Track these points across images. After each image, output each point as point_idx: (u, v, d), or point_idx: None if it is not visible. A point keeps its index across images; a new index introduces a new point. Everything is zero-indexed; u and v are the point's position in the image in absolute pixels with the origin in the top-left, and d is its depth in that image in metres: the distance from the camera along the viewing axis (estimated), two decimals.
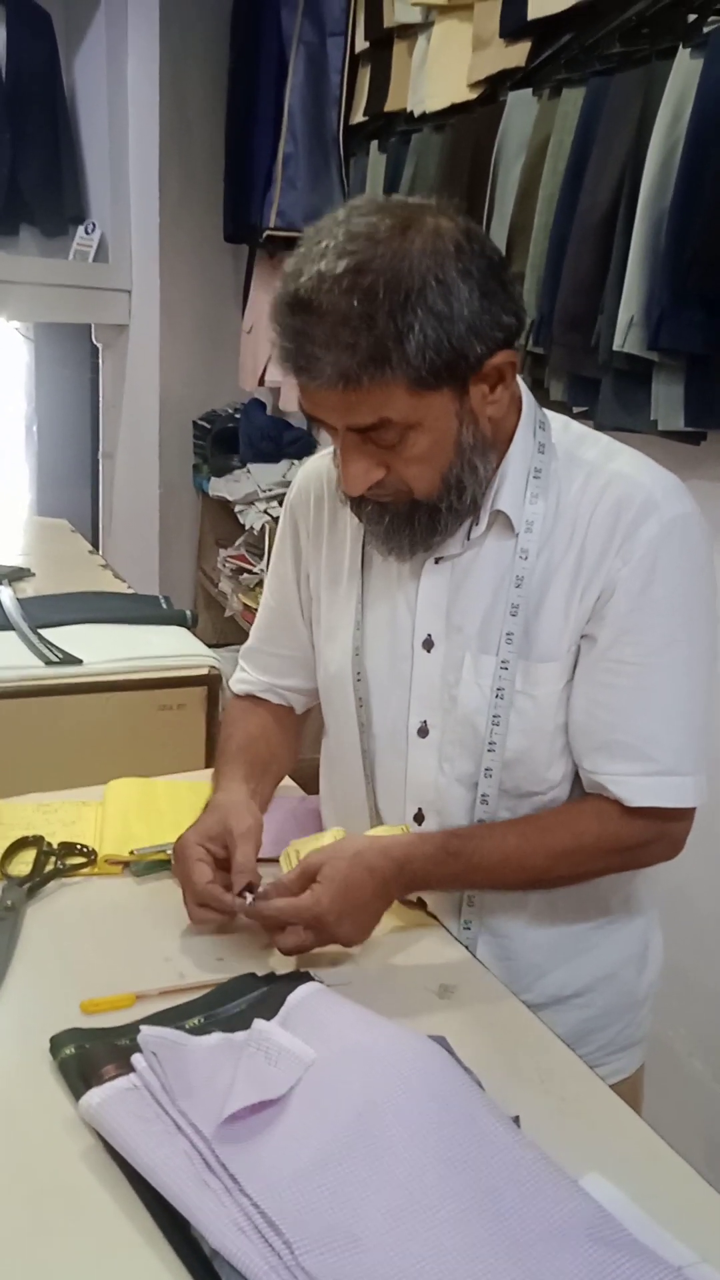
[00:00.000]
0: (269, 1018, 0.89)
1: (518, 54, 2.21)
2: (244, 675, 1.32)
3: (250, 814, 1.10)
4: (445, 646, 1.06)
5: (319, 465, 1.19)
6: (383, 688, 1.11)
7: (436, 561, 1.06)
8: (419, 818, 1.11)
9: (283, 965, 1.01)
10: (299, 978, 0.97)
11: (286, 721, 1.31)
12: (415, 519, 1.00)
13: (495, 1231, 0.68)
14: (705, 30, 1.71)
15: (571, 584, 1.00)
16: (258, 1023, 0.87)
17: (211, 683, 1.97)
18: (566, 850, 1.03)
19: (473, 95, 2.39)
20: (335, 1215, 0.68)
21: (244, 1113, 0.76)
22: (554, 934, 1.13)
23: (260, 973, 0.99)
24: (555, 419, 1.07)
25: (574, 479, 1.01)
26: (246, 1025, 0.88)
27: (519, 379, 1.02)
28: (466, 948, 1.08)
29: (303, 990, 0.92)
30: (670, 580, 0.98)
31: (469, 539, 1.04)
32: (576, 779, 1.08)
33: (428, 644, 1.07)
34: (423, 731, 1.08)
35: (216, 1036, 0.86)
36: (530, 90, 2.17)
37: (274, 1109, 0.77)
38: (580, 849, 1.03)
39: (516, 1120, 0.81)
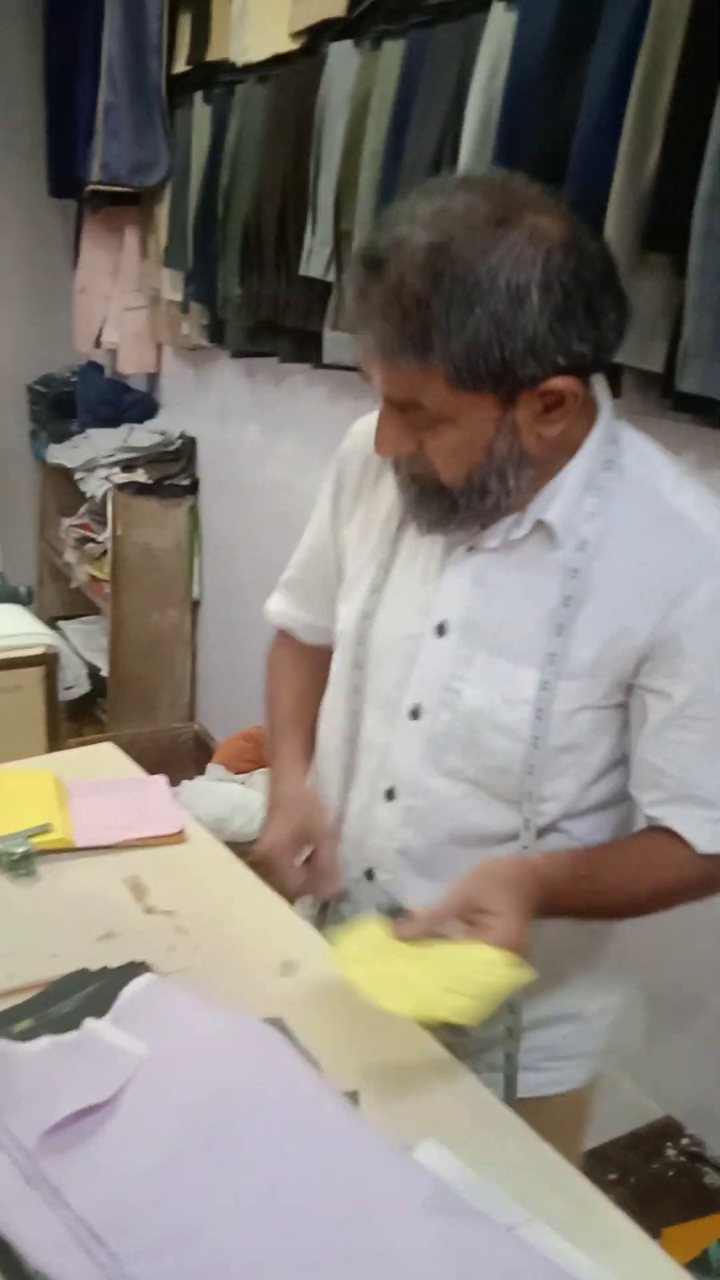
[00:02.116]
0: (101, 1014, 0.87)
1: (338, 3, 2.15)
2: (284, 609, 1.28)
3: (322, 810, 1.14)
4: (458, 637, 1.02)
5: (369, 425, 1.09)
6: (386, 658, 1.08)
7: (469, 550, 1.02)
8: (390, 794, 1.08)
9: (116, 958, 0.98)
10: (133, 969, 0.95)
11: (325, 669, 1.20)
12: (438, 501, 0.97)
13: (336, 1215, 0.68)
14: None
15: (612, 611, 0.96)
16: (88, 1022, 0.85)
17: (49, 662, 1.90)
18: (665, 884, 1.02)
19: (295, 46, 2.33)
20: (176, 1215, 0.67)
21: (72, 1119, 0.74)
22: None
23: (93, 967, 0.96)
24: (630, 435, 1.01)
25: (639, 508, 0.97)
26: (77, 1025, 0.85)
27: (605, 390, 0.99)
28: None
29: (137, 983, 0.90)
30: None
31: (508, 538, 1.00)
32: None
33: (441, 629, 1.03)
34: (415, 713, 1.05)
35: (45, 1041, 0.83)
36: (352, 42, 2.12)
37: (105, 1111, 0.75)
38: (677, 883, 1.02)
39: (355, 1095, 0.82)
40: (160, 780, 1.34)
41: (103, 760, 1.43)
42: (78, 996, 0.92)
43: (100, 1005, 0.88)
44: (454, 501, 0.96)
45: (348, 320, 0.91)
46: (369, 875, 1.10)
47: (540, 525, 0.98)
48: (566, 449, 0.96)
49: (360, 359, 0.93)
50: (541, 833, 1.04)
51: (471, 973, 0.85)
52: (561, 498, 0.97)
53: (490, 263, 0.83)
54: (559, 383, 0.88)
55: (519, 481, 0.95)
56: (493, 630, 1.01)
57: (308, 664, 1.25)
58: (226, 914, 1.07)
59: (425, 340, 0.85)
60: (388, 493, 1.09)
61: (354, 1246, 0.66)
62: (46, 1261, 0.62)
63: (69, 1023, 0.87)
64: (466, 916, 0.90)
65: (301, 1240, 0.67)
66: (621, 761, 1.04)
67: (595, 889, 1.00)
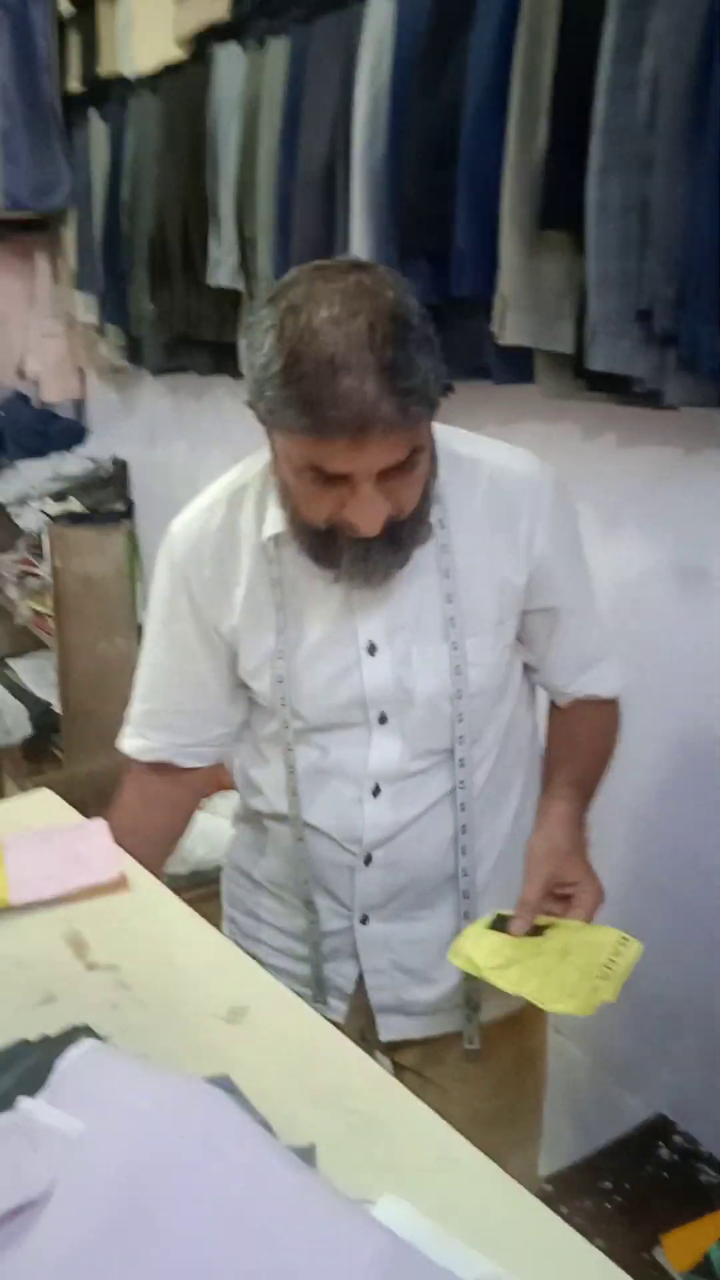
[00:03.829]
0: (37, 1088, 0.82)
1: (220, 6, 2.11)
2: (146, 744, 1.30)
3: None
4: (391, 647, 1.15)
5: (194, 525, 1.22)
6: (326, 699, 1.17)
7: None
8: (376, 791, 1.20)
9: (57, 1023, 0.93)
10: (72, 1035, 0.90)
11: (187, 798, 1.35)
12: (400, 539, 1.06)
13: None
14: None
15: (490, 565, 1.14)
16: (22, 1101, 0.80)
17: None
18: (610, 733, 1.31)
19: (182, 53, 2.28)
20: None
21: (4, 1217, 0.69)
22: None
23: (33, 1035, 0.91)
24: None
25: (457, 474, 1.14)
26: (12, 1104, 0.80)
27: None
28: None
29: (73, 1052, 0.85)
30: (567, 533, 1.19)
31: None
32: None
33: (371, 649, 1.15)
34: (383, 719, 1.18)
35: None
36: (237, 43, 2.08)
37: (37, 1202, 0.70)
38: (613, 727, 1.31)
39: (311, 1151, 0.77)
40: (99, 824, 1.29)
41: (41, 808, 1.37)
42: (14, 1072, 0.86)
43: (37, 1080, 0.83)
44: (417, 521, 1.07)
45: (334, 434, 0.95)
46: (368, 860, 1.23)
47: None
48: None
49: (324, 464, 0.97)
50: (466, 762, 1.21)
51: (606, 957, 1.01)
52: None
53: (405, 307, 0.96)
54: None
55: (431, 491, 1.09)
56: (413, 625, 1.14)
57: (159, 813, 1.32)
58: (171, 962, 1.02)
59: (426, 387, 0.96)
60: (242, 575, 1.18)
61: None
62: None
63: (3, 1103, 0.81)
64: (556, 893, 1.10)
65: None
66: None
67: (588, 781, 1.24)
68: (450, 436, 1.16)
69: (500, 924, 1.09)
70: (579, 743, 1.27)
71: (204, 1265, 0.64)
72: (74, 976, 1.01)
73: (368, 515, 1.00)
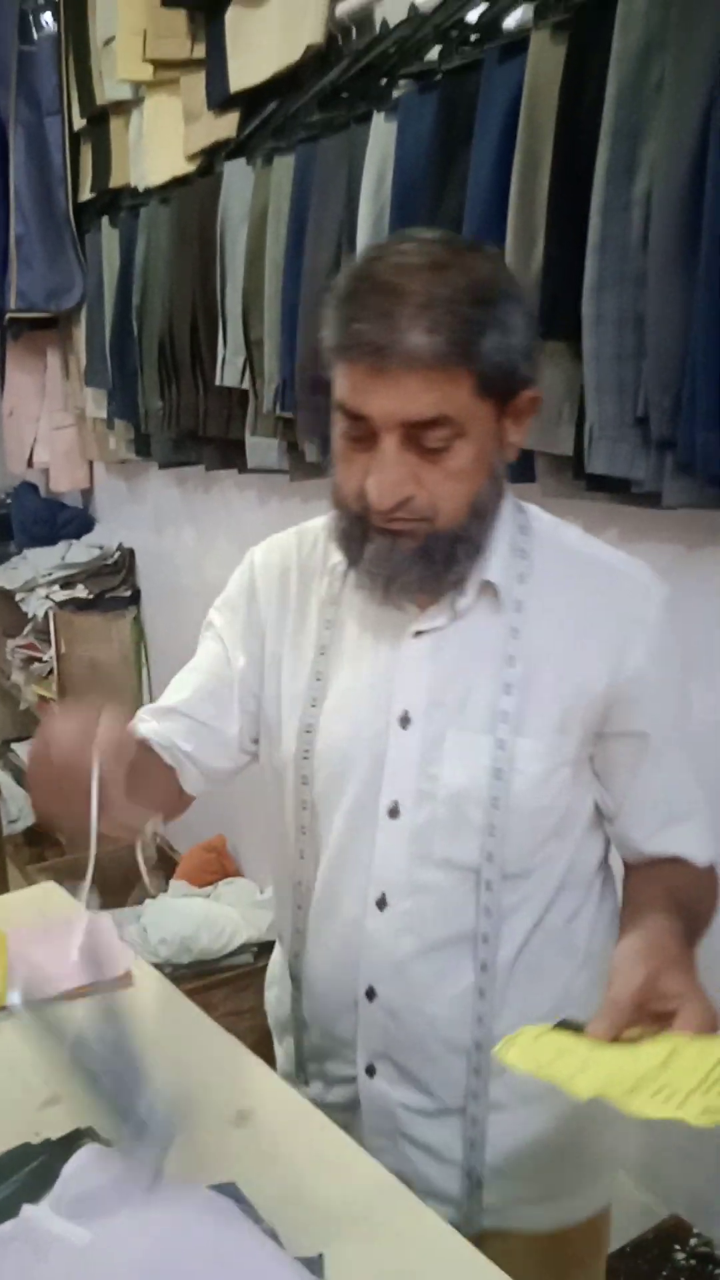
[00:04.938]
0: (42, 1192, 0.81)
1: (228, 124, 2.22)
2: (152, 726, 1.13)
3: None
4: (424, 723, 1.00)
5: (286, 540, 1.15)
6: (345, 766, 1.03)
7: (417, 635, 1.01)
8: (381, 903, 1.02)
9: (61, 1126, 0.92)
10: (75, 1139, 0.89)
11: (162, 794, 1.12)
12: (431, 553, 0.95)
13: None
14: (395, 95, 1.75)
15: (569, 664, 0.99)
16: (26, 1209, 0.79)
17: None
18: (706, 904, 1.05)
19: (191, 167, 2.39)
20: None
21: None
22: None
23: (35, 1138, 0.90)
24: (526, 504, 1.06)
25: (558, 563, 1.02)
26: (16, 1211, 0.79)
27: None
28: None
29: (79, 1157, 0.84)
30: (672, 660, 1.03)
31: (455, 611, 1.00)
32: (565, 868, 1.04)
33: (404, 720, 1.01)
34: (394, 812, 1.01)
35: None
36: (244, 159, 2.18)
37: None
38: (705, 894, 1.05)
39: (320, 1261, 0.76)
40: (104, 920, 1.28)
41: (45, 900, 1.38)
42: (18, 1176, 0.86)
43: (41, 1184, 0.83)
44: (453, 540, 0.95)
45: (359, 353, 0.89)
46: (370, 994, 1.04)
47: (485, 587, 1.00)
48: (491, 513, 0.99)
49: (352, 400, 0.91)
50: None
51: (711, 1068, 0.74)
52: (497, 559, 1.00)
53: (486, 276, 0.90)
54: (530, 391, 0.95)
55: (495, 519, 0.99)
56: (456, 705, 1.00)
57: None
58: (177, 1062, 1.01)
59: (464, 340, 0.87)
60: (313, 605, 1.09)
61: None
62: None
63: (9, 1208, 0.81)
64: (653, 1009, 0.82)
65: None
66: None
67: (689, 921, 0.95)
68: (564, 529, 1.06)
69: (571, 1029, 0.83)
70: (672, 889, 1.01)
71: None
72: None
73: (382, 478, 0.91)
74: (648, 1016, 0.81)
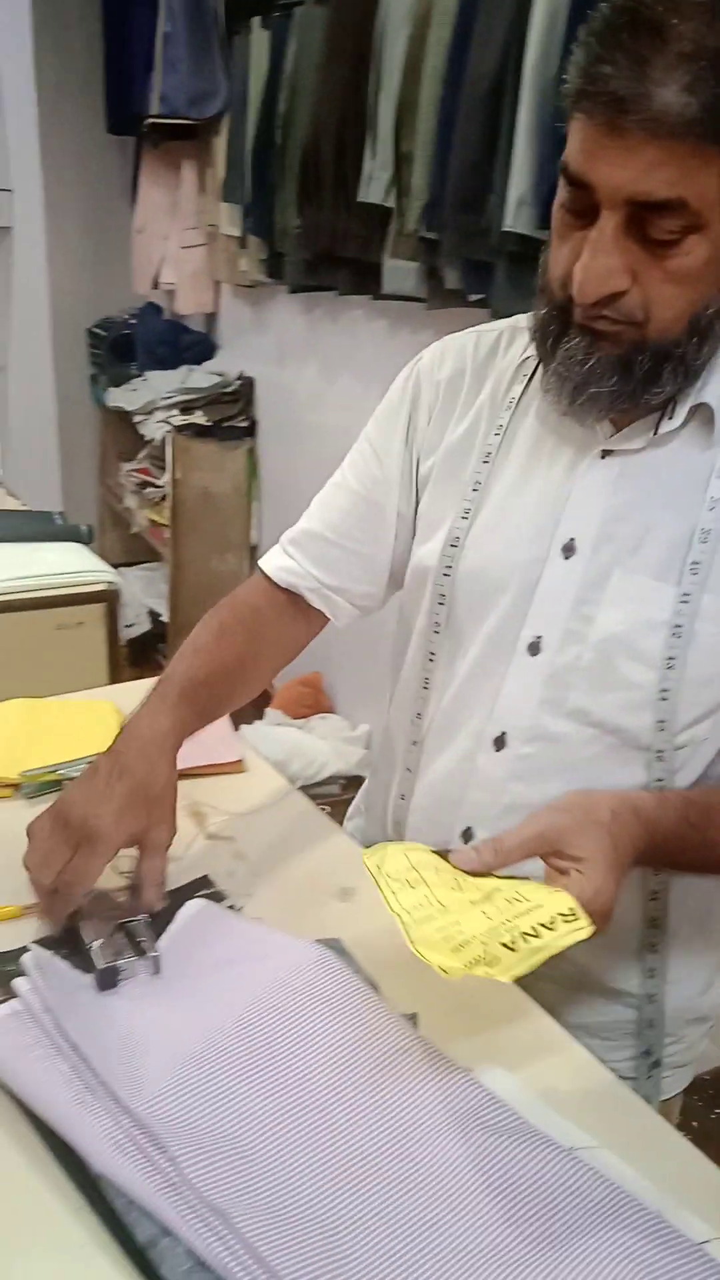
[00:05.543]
0: (159, 933, 0.87)
1: None
2: (291, 565, 1.07)
3: (169, 800, 0.92)
4: (590, 555, 0.90)
5: (462, 339, 1.03)
6: (489, 589, 0.95)
7: (604, 455, 0.90)
8: (500, 742, 0.95)
9: (178, 879, 0.98)
10: (196, 886, 0.95)
11: (289, 644, 1.09)
12: (631, 365, 0.82)
13: (381, 1129, 0.67)
14: None
15: None
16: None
17: (110, 599, 1.91)
18: None
19: None
20: (219, 1122, 0.67)
21: (123, 1028, 0.74)
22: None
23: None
24: None
25: None
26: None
27: None
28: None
29: (192, 905, 0.89)
30: None
31: (655, 434, 0.88)
32: None
33: (568, 549, 0.91)
34: (534, 648, 0.93)
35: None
36: None
37: (155, 1019, 0.75)
38: None
39: (414, 1018, 0.81)
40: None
41: None
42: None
43: (160, 922, 0.89)
44: (662, 355, 0.82)
45: (599, 102, 0.74)
46: (466, 835, 0.98)
47: (698, 411, 0.87)
48: (714, 332, 0.85)
49: (579, 160, 0.77)
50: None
51: (534, 921, 0.71)
52: (717, 377, 0.87)
53: None
54: None
55: (706, 345, 0.84)
56: (632, 543, 0.89)
57: (252, 638, 1.05)
58: (285, 842, 1.06)
59: None
60: (484, 411, 0.99)
61: (399, 1163, 0.66)
62: (105, 1165, 0.62)
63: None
64: (546, 858, 0.77)
65: (346, 1157, 0.66)
66: None
67: (705, 840, 0.86)
68: None
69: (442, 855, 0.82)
70: (711, 806, 0.88)
71: (308, 1094, 0.68)
72: (193, 843, 1.06)
73: (591, 264, 0.78)
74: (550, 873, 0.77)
